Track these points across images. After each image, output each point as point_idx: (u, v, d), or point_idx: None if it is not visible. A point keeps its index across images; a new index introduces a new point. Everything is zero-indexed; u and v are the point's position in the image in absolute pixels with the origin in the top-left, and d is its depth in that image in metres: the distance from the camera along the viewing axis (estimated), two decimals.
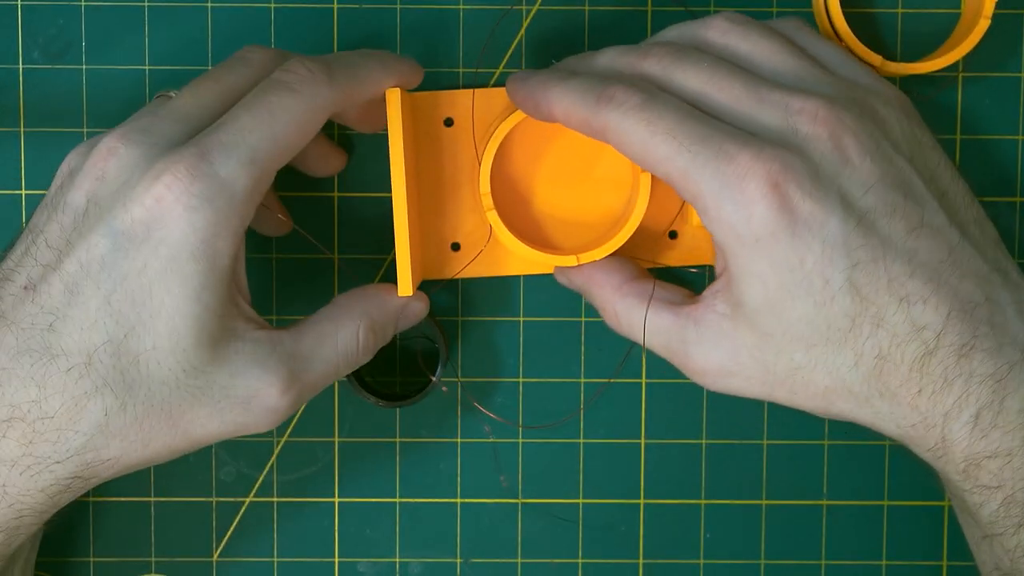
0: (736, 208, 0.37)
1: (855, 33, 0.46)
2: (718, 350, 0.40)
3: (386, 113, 0.42)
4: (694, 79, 0.40)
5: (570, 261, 0.45)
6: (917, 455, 0.41)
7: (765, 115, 0.38)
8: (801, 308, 0.38)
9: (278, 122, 0.38)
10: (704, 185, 0.37)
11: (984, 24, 0.45)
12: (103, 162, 0.38)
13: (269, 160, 0.38)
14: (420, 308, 0.45)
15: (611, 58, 0.42)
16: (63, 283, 0.37)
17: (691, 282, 0.48)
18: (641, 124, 0.38)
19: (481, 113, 0.46)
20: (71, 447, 0.37)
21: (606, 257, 0.44)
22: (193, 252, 0.37)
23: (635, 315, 0.42)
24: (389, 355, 0.49)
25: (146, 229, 0.36)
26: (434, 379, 0.47)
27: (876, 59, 0.46)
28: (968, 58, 0.47)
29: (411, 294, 0.43)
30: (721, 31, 0.41)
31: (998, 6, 0.45)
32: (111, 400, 0.37)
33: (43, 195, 0.47)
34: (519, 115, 0.44)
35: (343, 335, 0.42)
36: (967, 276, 0.38)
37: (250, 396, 0.39)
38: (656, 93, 0.39)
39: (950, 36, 0.48)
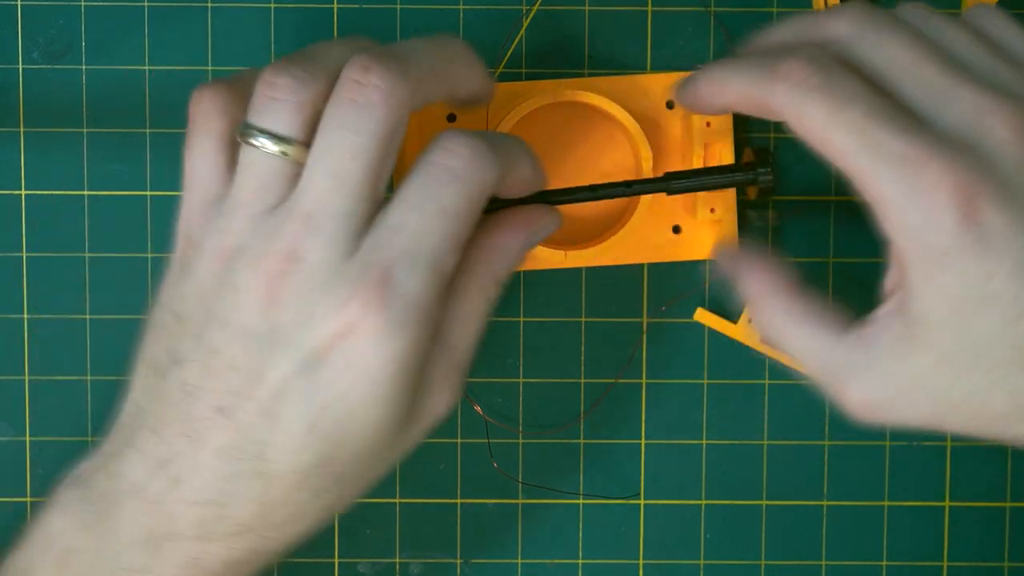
0: (923, 217, 0.35)
1: None
2: (888, 378, 0.37)
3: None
4: (885, 52, 0.37)
5: (559, 257, 0.45)
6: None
7: (955, 110, 0.36)
8: (986, 326, 0.35)
9: (454, 220, 0.36)
10: (888, 189, 0.35)
11: None
12: (276, 287, 0.36)
13: (451, 260, 0.36)
14: (553, 227, 0.41)
15: (793, 25, 0.39)
16: (261, 411, 0.36)
17: (692, 278, 0.48)
18: (821, 109, 0.35)
19: (484, 108, 0.47)
20: (296, 538, 0.38)
21: (774, 257, 0.41)
22: (396, 373, 0.36)
23: (791, 328, 0.39)
24: None
25: (343, 359, 0.35)
26: None
27: None
28: None
29: None
30: (910, 13, 0.38)
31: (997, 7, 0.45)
32: (329, 498, 0.37)
33: (43, 195, 0.47)
34: (523, 109, 0.44)
35: (475, 306, 0.39)
36: None
37: (435, 422, 0.39)
38: (837, 73, 0.36)
39: None
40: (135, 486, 0.37)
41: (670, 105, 0.47)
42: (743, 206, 0.47)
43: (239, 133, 0.37)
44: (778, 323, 0.40)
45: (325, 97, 0.37)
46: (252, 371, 0.36)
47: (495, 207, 0.41)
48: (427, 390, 0.38)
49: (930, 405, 0.37)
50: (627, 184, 0.43)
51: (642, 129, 0.45)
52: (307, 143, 0.36)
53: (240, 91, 0.39)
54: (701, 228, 0.47)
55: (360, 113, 0.36)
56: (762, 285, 0.40)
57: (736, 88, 0.38)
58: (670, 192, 0.43)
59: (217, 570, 0.37)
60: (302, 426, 0.36)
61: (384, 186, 0.37)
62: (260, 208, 0.37)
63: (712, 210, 0.45)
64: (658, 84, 0.47)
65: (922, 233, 0.35)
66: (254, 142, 0.36)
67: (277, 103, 0.36)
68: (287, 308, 0.36)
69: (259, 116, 0.37)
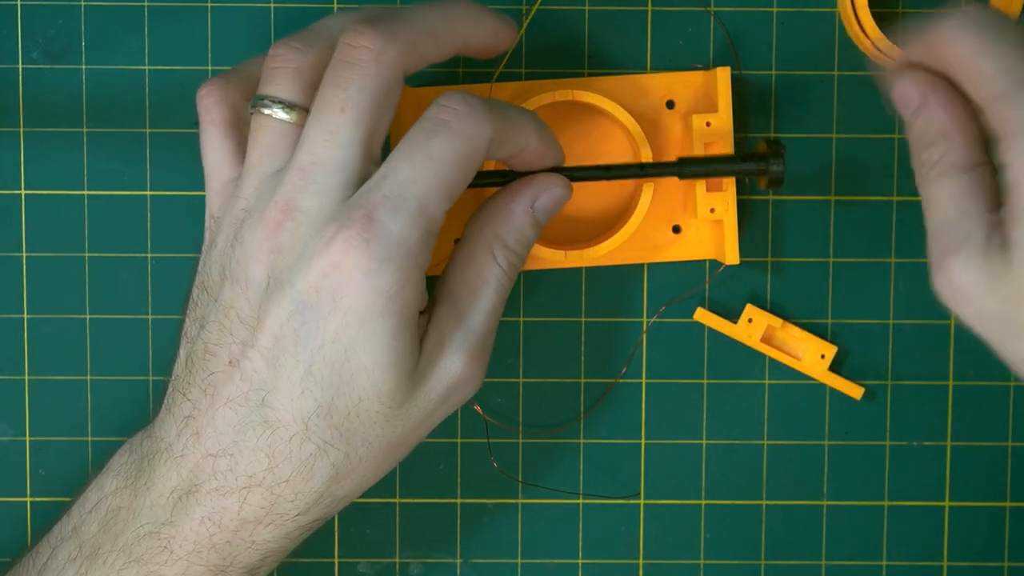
0: None
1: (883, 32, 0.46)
2: (978, 274, 0.37)
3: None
4: None
5: (559, 257, 0.45)
6: None
7: None
8: None
9: (441, 168, 0.38)
10: (1013, 110, 0.36)
11: None
12: (276, 237, 0.38)
13: (438, 207, 0.38)
14: (560, 193, 0.42)
15: None
16: (263, 358, 0.38)
17: (692, 278, 0.48)
18: (976, 37, 0.37)
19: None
20: (309, 501, 0.39)
21: (965, 111, 0.40)
22: (381, 311, 0.37)
23: (953, 173, 0.39)
24: None
25: (331, 298, 0.37)
26: None
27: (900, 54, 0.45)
28: None
29: None
30: None
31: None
32: (335, 454, 0.38)
33: (43, 195, 0.47)
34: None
35: (483, 269, 0.41)
36: None
37: (450, 390, 0.40)
38: (1000, 18, 0.38)
39: None
40: (167, 445, 0.39)
41: (670, 105, 0.47)
42: (752, 191, 0.47)
43: (250, 107, 0.40)
44: (948, 160, 0.39)
45: (325, 65, 0.39)
46: (255, 319, 0.38)
47: (511, 179, 0.42)
48: (437, 351, 0.39)
49: (998, 320, 0.37)
50: (640, 166, 0.44)
51: (642, 129, 0.45)
52: (309, 108, 0.39)
53: (238, 79, 0.41)
54: (701, 228, 0.47)
55: (350, 71, 0.38)
56: (957, 119, 0.39)
57: (917, 35, 0.39)
58: (682, 176, 0.44)
59: (233, 526, 0.39)
60: (299, 370, 0.37)
61: (379, 145, 0.39)
62: (267, 171, 0.39)
63: (712, 210, 0.45)
64: (658, 84, 0.47)
65: None
66: (260, 109, 0.39)
67: (278, 71, 0.39)
68: (285, 256, 0.38)
69: (264, 85, 0.39)
